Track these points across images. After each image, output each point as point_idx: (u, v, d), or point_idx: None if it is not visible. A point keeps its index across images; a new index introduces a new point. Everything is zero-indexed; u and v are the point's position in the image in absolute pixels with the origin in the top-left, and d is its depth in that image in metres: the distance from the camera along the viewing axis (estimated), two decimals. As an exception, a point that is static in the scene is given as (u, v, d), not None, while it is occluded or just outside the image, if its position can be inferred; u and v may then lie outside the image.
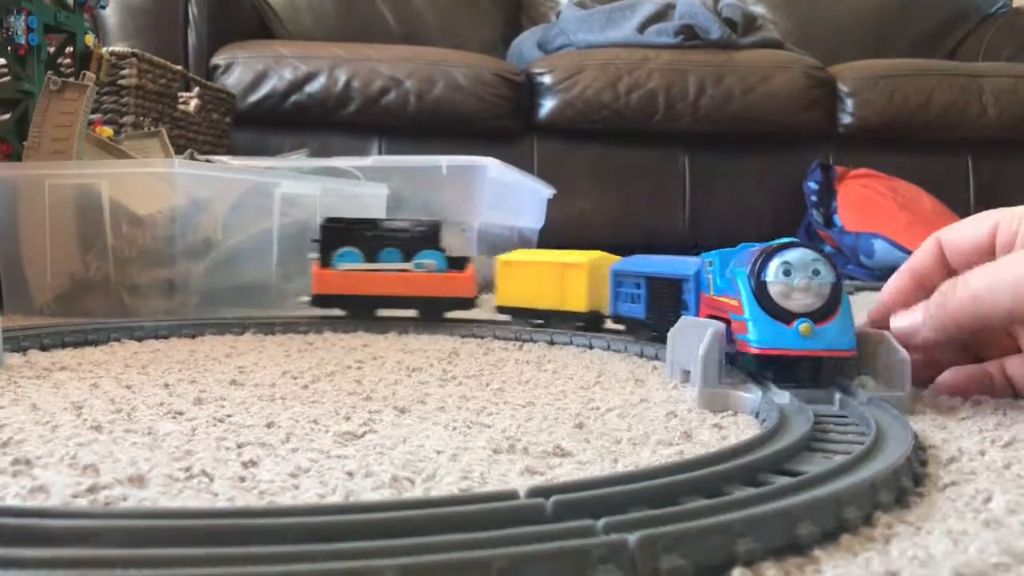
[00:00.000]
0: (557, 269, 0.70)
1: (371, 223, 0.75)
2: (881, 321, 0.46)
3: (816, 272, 0.41)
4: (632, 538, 0.19)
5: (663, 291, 0.59)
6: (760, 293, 0.42)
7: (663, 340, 0.52)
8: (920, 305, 0.43)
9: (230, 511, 0.21)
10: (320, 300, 0.72)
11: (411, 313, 0.74)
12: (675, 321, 0.51)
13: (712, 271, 0.49)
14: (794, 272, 0.41)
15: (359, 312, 0.73)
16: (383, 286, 0.72)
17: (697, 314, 0.52)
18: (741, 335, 0.42)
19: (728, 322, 0.44)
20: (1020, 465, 0.31)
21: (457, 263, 0.74)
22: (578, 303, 0.69)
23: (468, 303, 0.73)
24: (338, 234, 0.73)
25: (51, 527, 0.19)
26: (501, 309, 0.75)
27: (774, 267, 0.42)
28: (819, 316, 0.41)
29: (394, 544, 0.18)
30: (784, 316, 0.41)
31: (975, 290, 0.40)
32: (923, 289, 0.45)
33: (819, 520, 0.22)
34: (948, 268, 0.45)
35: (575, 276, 0.69)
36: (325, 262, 0.72)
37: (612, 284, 0.66)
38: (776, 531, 0.21)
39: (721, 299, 0.47)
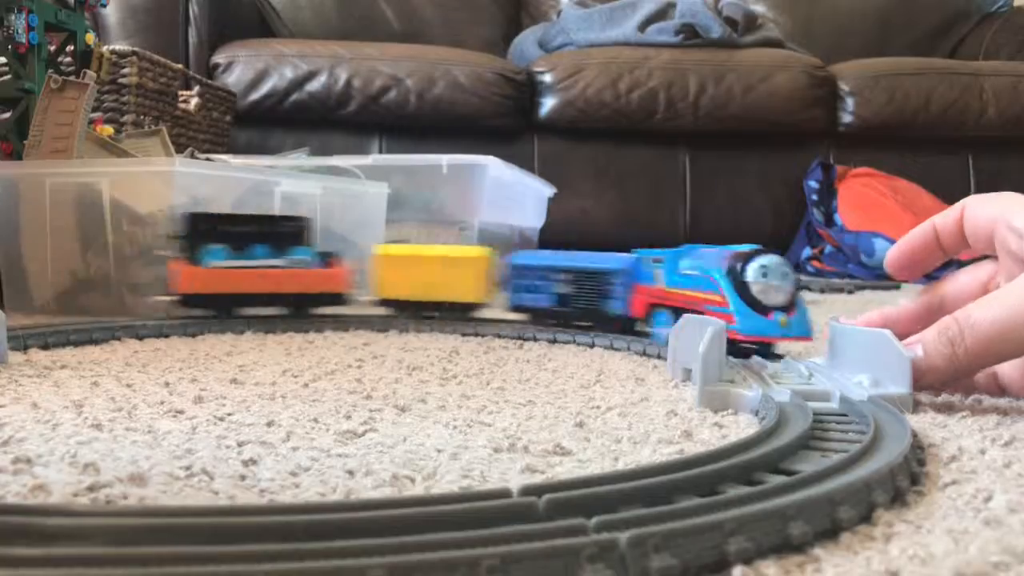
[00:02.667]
0: (444, 263, 0.73)
1: (237, 218, 0.72)
2: (900, 258, 0.47)
3: (785, 274, 0.51)
4: (622, 537, 0.19)
5: (586, 283, 0.66)
6: (742, 290, 0.51)
7: (577, 326, 0.66)
8: (920, 339, 0.42)
9: (229, 509, 0.21)
10: (189, 300, 0.68)
11: (279, 310, 0.73)
12: (599, 309, 0.64)
13: (662, 267, 0.59)
14: (770, 274, 0.51)
15: (226, 310, 0.70)
16: (254, 283, 0.70)
17: (627, 304, 0.63)
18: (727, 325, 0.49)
19: (692, 312, 0.51)
20: (1021, 464, 0.31)
21: (327, 259, 0.73)
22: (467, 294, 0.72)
23: (340, 299, 0.73)
24: (203, 229, 0.69)
25: (49, 525, 0.19)
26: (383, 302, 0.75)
27: (753, 269, 0.51)
28: (787, 309, 0.51)
29: (384, 543, 0.18)
30: (762, 309, 0.51)
31: (989, 332, 0.39)
32: (939, 247, 0.46)
33: (812, 520, 0.22)
34: (963, 237, 0.45)
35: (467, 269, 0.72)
36: (192, 259, 0.68)
37: (512, 277, 0.71)
38: (768, 530, 0.21)
39: (681, 292, 0.57)
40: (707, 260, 0.54)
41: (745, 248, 0.53)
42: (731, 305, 0.51)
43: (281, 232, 0.72)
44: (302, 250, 0.72)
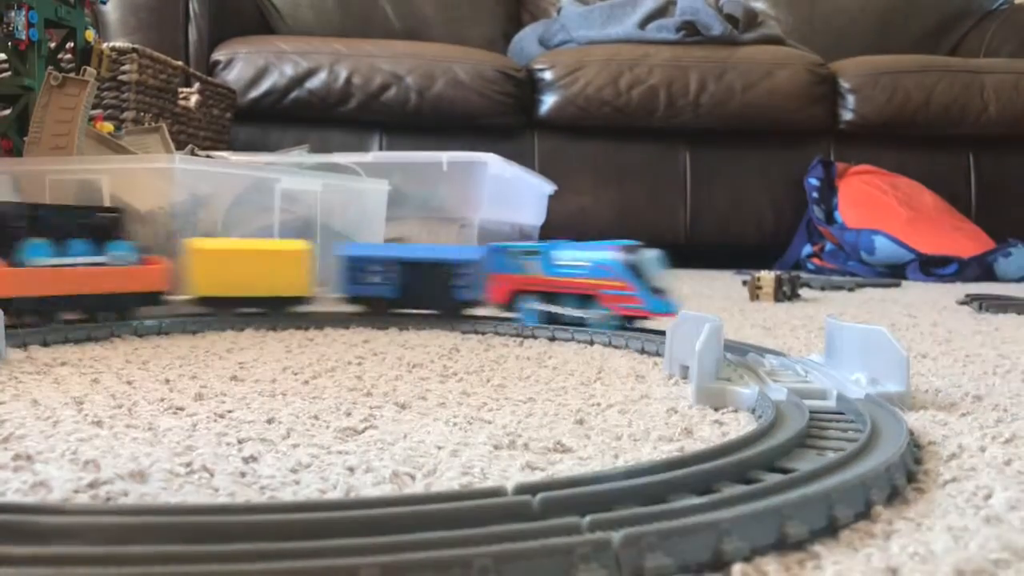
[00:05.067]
0: (262, 257, 0.71)
1: (51, 209, 0.63)
2: None
3: (662, 264, 0.62)
4: (616, 536, 0.19)
5: (430, 273, 0.72)
6: (641, 277, 0.61)
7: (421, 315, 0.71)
8: None
9: (222, 508, 0.21)
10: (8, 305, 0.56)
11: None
12: (445, 296, 0.71)
13: (537, 259, 0.68)
14: (659, 264, 0.62)
15: (49, 315, 0.61)
16: (72, 284, 0.61)
17: (479, 291, 0.71)
18: (631, 305, 0.62)
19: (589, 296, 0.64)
20: (1020, 462, 0.31)
21: (142, 255, 0.68)
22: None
23: (156, 298, 0.68)
24: (17, 221, 0.59)
25: (45, 524, 0.19)
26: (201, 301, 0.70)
27: (649, 261, 0.62)
28: (664, 291, 0.62)
29: (378, 541, 0.18)
30: (656, 292, 0.61)
31: None
32: None
33: (808, 519, 0.22)
34: None
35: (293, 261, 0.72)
36: (8, 256, 0.58)
37: (346, 269, 0.72)
38: (764, 529, 0.21)
39: (564, 280, 0.66)
40: (598, 253, 0.64)
41: (626, 243, 0.63)
42: (637, 290, 0.61)
43: (97, 225, 0.64)
44: (120, 245, 0.65)
